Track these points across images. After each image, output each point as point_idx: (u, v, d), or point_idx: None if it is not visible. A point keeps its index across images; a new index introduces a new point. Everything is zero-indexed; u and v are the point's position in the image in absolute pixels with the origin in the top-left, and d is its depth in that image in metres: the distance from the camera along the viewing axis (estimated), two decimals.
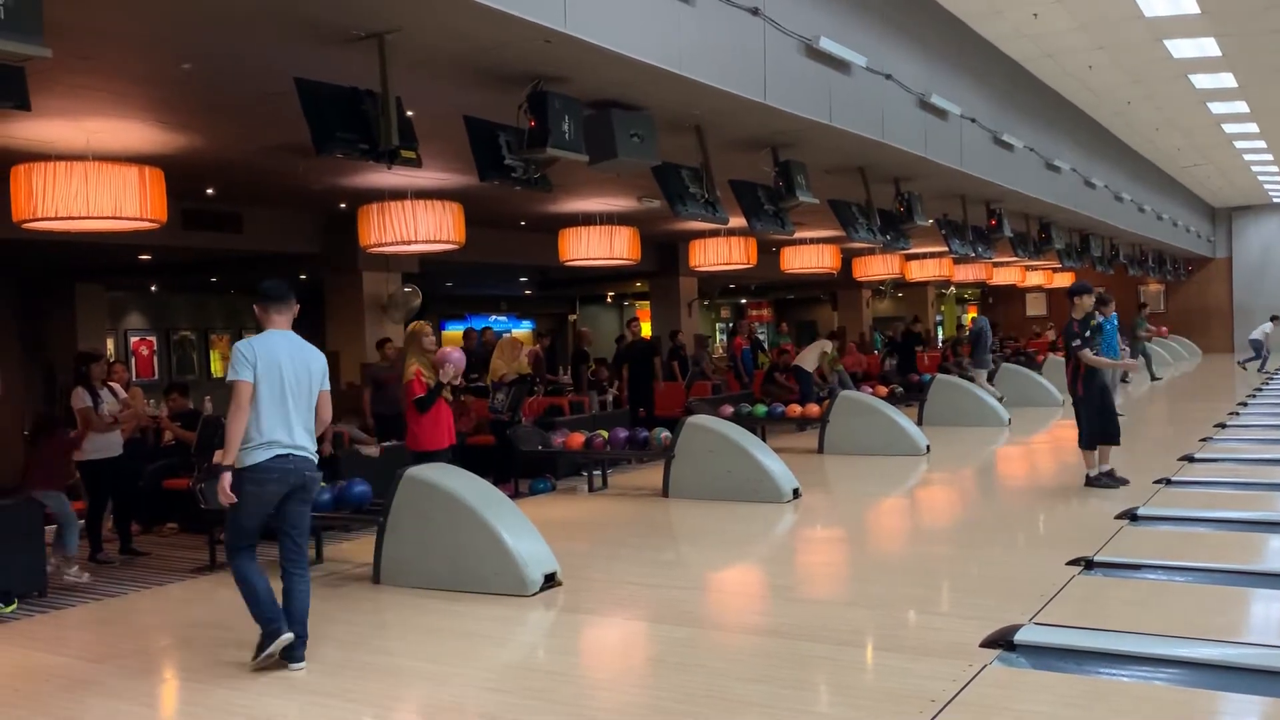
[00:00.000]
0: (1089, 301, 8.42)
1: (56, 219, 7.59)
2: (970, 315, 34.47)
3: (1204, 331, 27.14)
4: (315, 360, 4.82)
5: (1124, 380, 14.55)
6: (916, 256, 20.81)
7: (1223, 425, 12.02)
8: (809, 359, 14.69)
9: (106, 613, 6.08)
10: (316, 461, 4.78)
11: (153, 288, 18.56)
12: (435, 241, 10.06)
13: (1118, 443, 8.24)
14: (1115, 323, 14.10)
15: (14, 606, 6.25)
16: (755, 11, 7.30)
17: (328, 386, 4.90)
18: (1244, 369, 20.30)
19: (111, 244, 10.97)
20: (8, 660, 5.10)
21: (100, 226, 8.04)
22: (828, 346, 15.32)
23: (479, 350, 12.81)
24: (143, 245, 11.93)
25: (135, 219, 7.85)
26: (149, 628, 5.68)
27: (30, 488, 7.37)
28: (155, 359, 19.03)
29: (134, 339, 18.71)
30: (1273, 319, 22.04)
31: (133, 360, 18.23)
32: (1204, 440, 10.74)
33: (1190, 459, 9.50)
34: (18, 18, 4.00)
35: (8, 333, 14.84)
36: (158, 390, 11.77)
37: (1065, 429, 13.08)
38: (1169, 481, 8.38)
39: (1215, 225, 29.11)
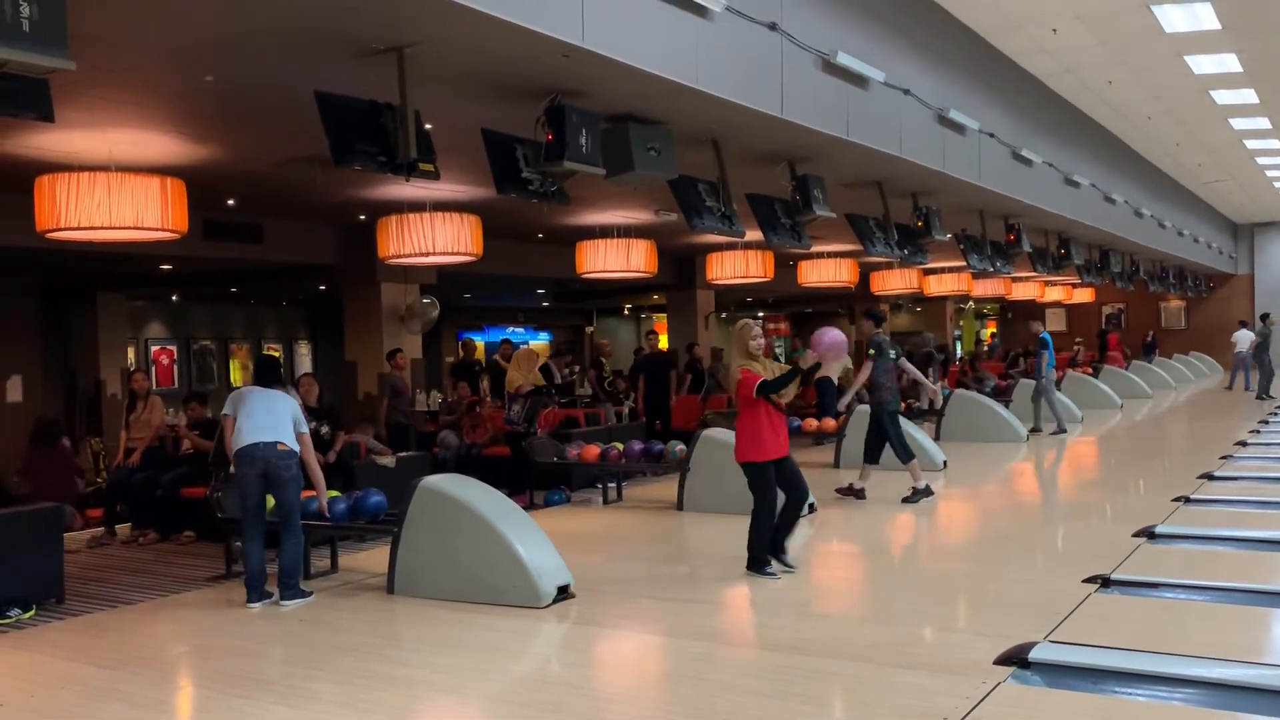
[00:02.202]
0: (868, 325, 9.76)
1: (79, 229, 7.67)
2: (989, 330, 34.38)
3: (1225, 348, 26.81)
4: (279, 402, 6.28)
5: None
6: (934, 271, 20.74)
7: (1244, 443, 11.91)
8: (833, 369, 14.47)
9: (122, 620, 6.11)
10: (289, 450, 6.11)
11: (173, 297, 18.71)
12: (453, 253, 10.11)
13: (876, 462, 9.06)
14: (1048, 341, 14.29)
15: (32, 613, 6.29)
16: (773, 26, 7.32)
17: (304, 429, 6.31)
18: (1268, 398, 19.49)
19: (133, 254, 11.08)
20: (25, 666, 5.13)
21: (122, 237, 8.11)
22: (848, 360, 15.10)
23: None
24: (164, 255, 12.04)
25: (157, 229, 7.92)
26: (164, 635, 5.71)
27: (38, 498, 7.39)
28: (175, 368, 19.18)
29: (154, 348, 18.87)
30: (1241, 323, 21.56)
31: (153, 369, 18.39)
32: (1224, 458, 10.65)
33: (1210, 477, 9.42)
34: (42, 30, 4.05)
35: (30, 341, 14.98)
36: (177, 399, 11.85)
37: (1083, 445, 13.03)
38: (1188, 499, 8.31)
39: (1237, 241, 28.91)
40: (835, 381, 14.13)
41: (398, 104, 5.98)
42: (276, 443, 6.08)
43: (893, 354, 9.45)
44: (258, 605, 5.98)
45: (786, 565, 6.35)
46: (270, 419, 6.15)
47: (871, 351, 9.24)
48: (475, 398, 11.92)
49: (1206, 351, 26.87)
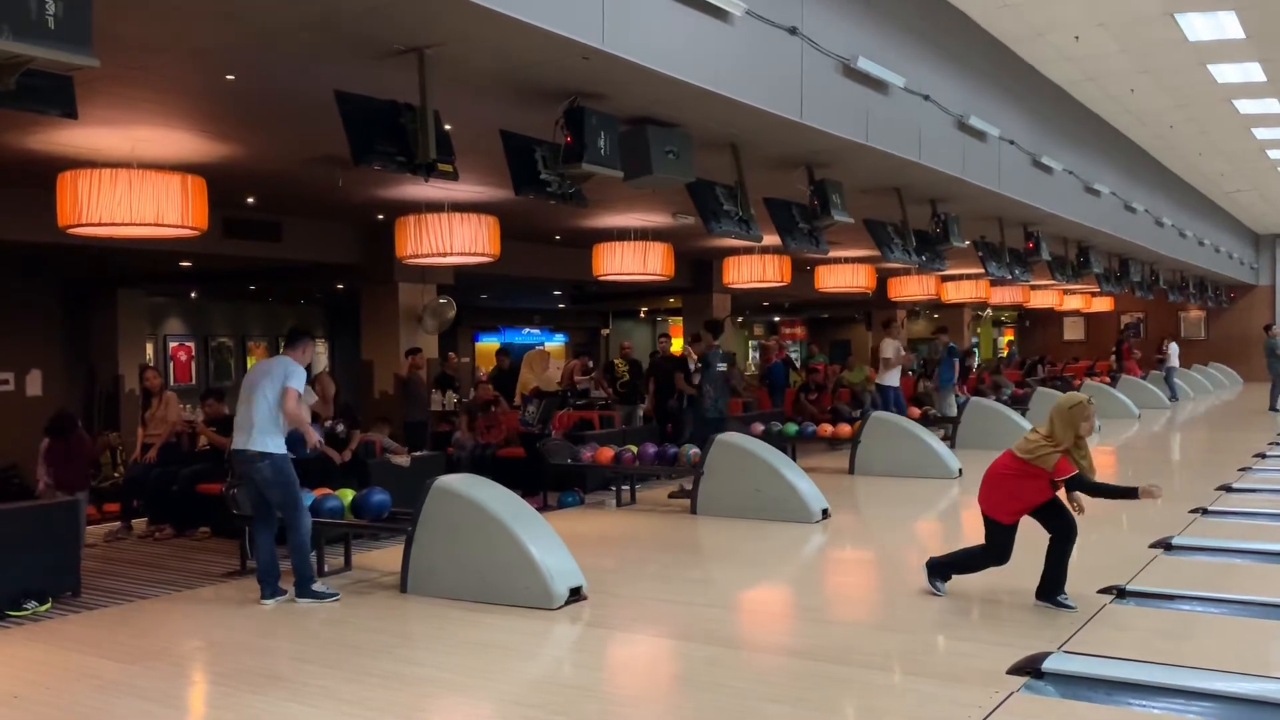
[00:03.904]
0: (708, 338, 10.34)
1: (100, 225, 7.73)
2: (1007, 338, 34.24)
3: (1245, 359, 26.70)
4: (258, 370, 6.24)
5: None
6: (952, 278, 20.68)
7: (1263, 455, 11.81)
8: (889, 373, 13.61)
9: (138, 614, 6.15)
10: (257, 453, 6.00)
11: (192, 294, 18.83)
12: (470, 254, 10.14)
13: None
14: (953, 351, 14.91)
15: (48, 606, 6.33)
16: (793, 31, 7.32)
17: (286, 384, 6.07)
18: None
19: (153, 250, 11.16)
20: (40, 659, 5.17)
21: (143, 233, 8.16)
22: (890, 350, 13.70)
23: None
24: (184, 252, 12.12)
25: (177, 226, 7.97)
26: (179, 631, 5.74)
27: (55, 486, 7.57)
28: (193, 364, 19.29)
29: (173, 344, 18.98)
30: (1171, 339, 22.34)
31: (171, 365, 18.50)
32: (1243, 470, 10.57)
33: (1228, 489, 9.35)
34: (68, 28, 4.09)
35: (51, 335, 15.10)
36: (195, 396, 11.93)
37: (1101, 455, 12.93)
38: (1205, 511, 8.25)
39: (1258, 251, 28.69)
40: (895, 385, 13.56)
41: (418, 104, 6.00)
42: (246, 449, 6.02)
43: (722, 366, 10.29)
44: (271, 601, 6.00)
45: (1064, 604, 5.50)
46: (246, 417, 6.06)
47: (698, 364, 10.05)
48: (494, 396, 11.95)
49: (1226, 362, 26.70)
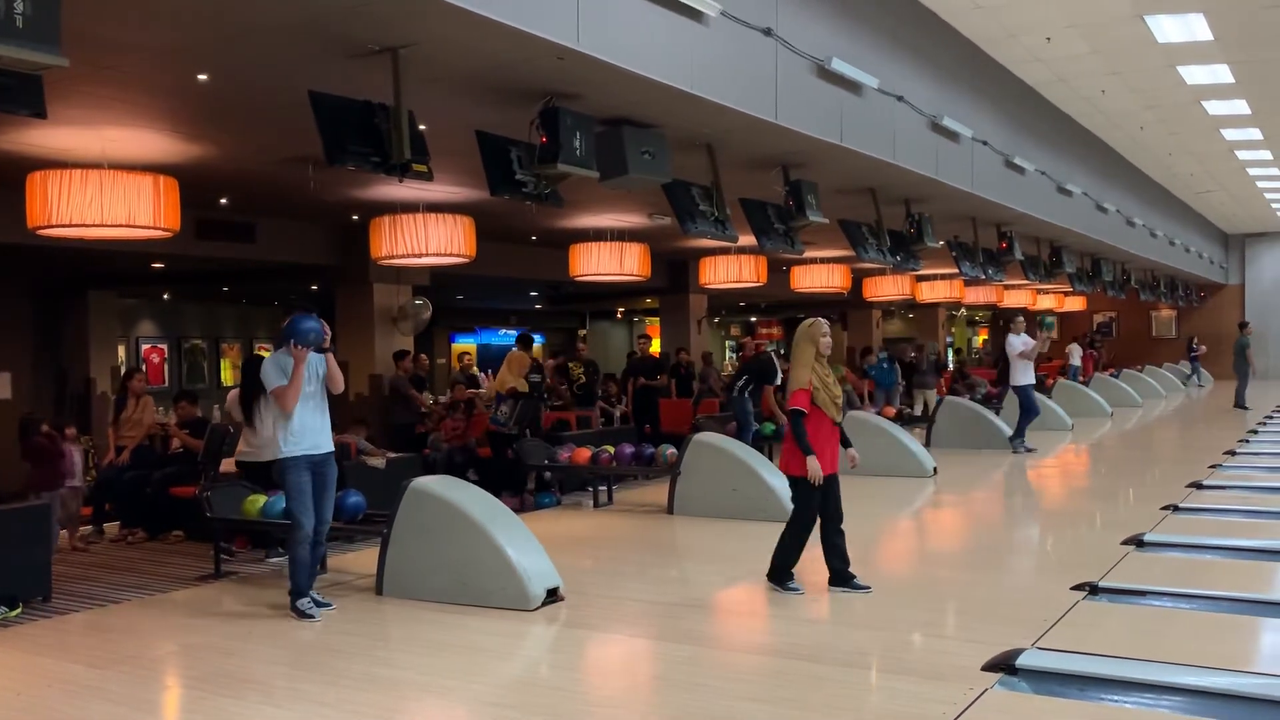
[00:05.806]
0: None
1: (71, 226, 7.65)
2: (981, 337, 34.46)
3: (1215, 358, 27.02)
4: None
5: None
6: (927, 278, 20.81)
7: (1233, 452, 11.95)
8: (1020, 373, 12.49)
9: (110, 619, 6.08)
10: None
11: (165, 296, 18.67)
12: (446, 254, 10.11)
13: None
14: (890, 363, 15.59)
15: (19, 611, 6.26)
16: (768, 32, 7.34)
17: (271, 386, 5.88)
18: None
19: (125, 252, 11.05)
20: (10, 664, 5.11)
21: (114, 234, 8.09)
22: (1017, 346, 12.58)
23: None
24: (156, 254, 12.01)
25: (149, 227, 7.90)
26: (152, 635, 5.69)
27: (30, 487, 7.59)
28: (166, 367, 19.14)
29: (145, 346, 18.82)
30: (1075, 339, 23.51)
31: (143, 367, 18.33)
32: (1213, 467, 10.68)
33: (1199, 485, 9.45)
34: (36, 27, 4.05)
35: (21, 338, 14.93)
36: (167, 398, 11.81)
37: (1074, 453, 13.06)
38: (1177, 508, 8.34)
39: (1228, 251, 29.04)
40: (1030, 382, 12.59)
41: (392, 105, 5.98)
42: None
43: (535, 377, 10.86)
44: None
45: (857, 587, 5.87)
46: None
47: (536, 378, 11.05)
48: (468, 397, 11.92)
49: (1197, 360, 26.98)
